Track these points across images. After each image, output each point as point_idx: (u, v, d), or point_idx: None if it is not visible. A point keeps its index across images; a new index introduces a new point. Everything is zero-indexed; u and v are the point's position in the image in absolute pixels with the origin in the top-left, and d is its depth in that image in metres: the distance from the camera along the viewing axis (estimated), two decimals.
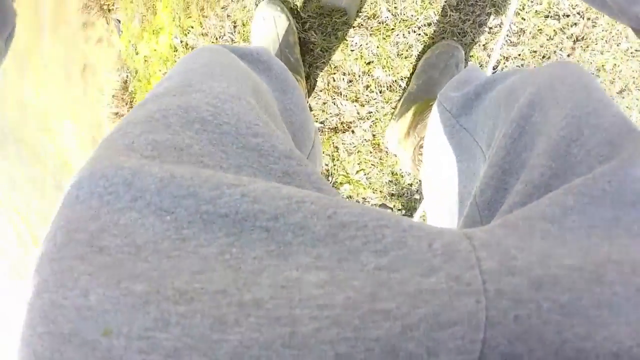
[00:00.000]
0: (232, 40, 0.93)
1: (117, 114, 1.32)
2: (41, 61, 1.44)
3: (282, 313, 0.17)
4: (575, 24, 0.90)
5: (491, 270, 0.18)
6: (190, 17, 0.98)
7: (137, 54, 1.17)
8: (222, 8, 0.92)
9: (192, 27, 0.98)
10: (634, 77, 0.92)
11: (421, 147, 0.76)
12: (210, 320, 0.16)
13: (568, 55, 0.93)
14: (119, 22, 1.23)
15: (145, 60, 1.14)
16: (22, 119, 1.51)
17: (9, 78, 1.47)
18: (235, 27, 0.91)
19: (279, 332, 0.16)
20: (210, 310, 0.17)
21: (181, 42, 1.00)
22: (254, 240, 0.20)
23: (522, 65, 0.90)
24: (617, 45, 0.90)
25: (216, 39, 0.94)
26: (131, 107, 1.26)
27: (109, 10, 1.26)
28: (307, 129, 0.52)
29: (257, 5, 0.87)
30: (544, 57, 0.91)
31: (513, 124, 0.33)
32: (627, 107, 0.93)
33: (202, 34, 0.96)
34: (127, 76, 1.23)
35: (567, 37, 0.90)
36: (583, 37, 0.91)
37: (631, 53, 0.91)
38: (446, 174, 0.51)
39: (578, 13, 0.89)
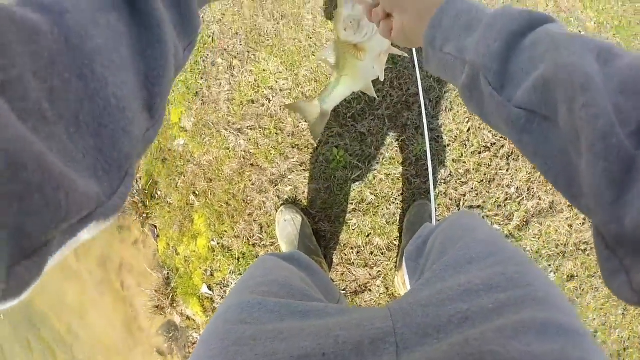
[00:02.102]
0: (261, 238, 1.21)
1: (157, 307, 1.51)
2: (74, 256, 1.63)
3: None
4: (502, 146, 1.24)
5: (396, 315, 0.44)
6: (223, 223, 1.28)
7: (177, 254, 1.42)
8: (249, 215, 1.22)
9: (226, 231, 1.26)
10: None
11: None
12: None
13: (507, 171, 1.25)
14: (155, 227, 1.50)
15: (185, 260, 1.39)
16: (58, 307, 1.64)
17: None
18: (262, 228, 1.21)
19: None
20: None
21: (218, 244, 1.28)
22: None
23: (476, 194, 1.21)
24: None
25: (247, 239, 1.22)
26: (173, 301, 1.45)
27: (147, 218, 1.53)
28: (333, 294, 0.77)
29: (277, 210, 1.18)
30: (489, 181, 1.23)
31: (433, 248, 0.65)
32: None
33: (235, 236, 1.25)
34: (167, 274, 1.46)
35: (500, 158, 1.23)
36: (512, 152, 1.25)
37: None
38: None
39: (501, 137, 1.23)
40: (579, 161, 0.25)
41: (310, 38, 1.19)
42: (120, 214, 1.54)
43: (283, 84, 1.16)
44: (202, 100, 1.24)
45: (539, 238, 1.25)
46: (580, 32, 1.67)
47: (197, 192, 1.31)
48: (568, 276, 1.26)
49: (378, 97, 1.17)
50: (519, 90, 0.31)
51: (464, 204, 1.21)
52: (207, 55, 1.24)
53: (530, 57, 0.30)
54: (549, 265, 1.26)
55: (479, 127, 1.23)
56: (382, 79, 0.67)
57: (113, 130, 0.23)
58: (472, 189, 1.22)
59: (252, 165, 1.20)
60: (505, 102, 0.31)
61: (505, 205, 1.24)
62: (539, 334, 0.35)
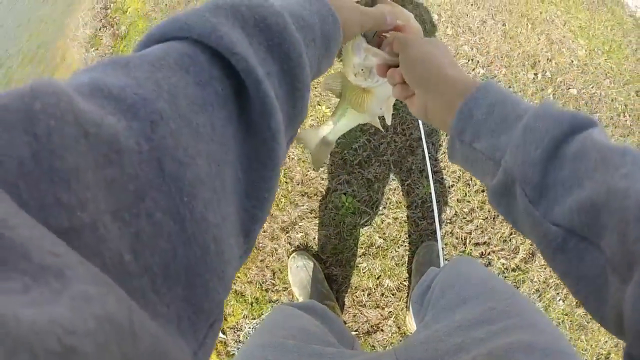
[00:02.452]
0: (273, 284, 1.24)
1: None
2: None
3: None
4: None
5: (400, 355, 0.48)
6: None
7: None
8: (261, 261, 1.25)
9: (239, 277, 1.29)
10: None
11: None
12: None
13: None
14: None
15: None
16: None
17: None
18: (274, 274, 1.24)
19: None
20: None
21: (231, 289, 1.30)
22: None
23: (482, 231, 1.24)
24: None
25: (260, 284, 1.25)
26: None
27: None
28: (348, 340, 0.80)
29: (288, 257, 1.21)
30: (494, 218, 1.26)
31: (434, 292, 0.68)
32: None
33: (248, 282, 1.27)
34: None
35: None
36: None
37: None
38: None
39: None
40: (621, 287, 0.24)
41: (316, 88, 1.24)
42: None
43: None
44: None
45: (545, 268, 1.28)
46: (572, 62, 1.72)
47: None
48: (577, 302, 1.29)
49: (382, 142, 1.21)
50: (557, 206, 0.28)
51: (470, 241, 1.25)
52: None
53: (574, 170, 0.28)
54: (557, 293, 1.29)
55: None
56: (388, 122, 0.65)
57: (208, 279, 0.19)
58: (477, 226, 1.25)
59: None
60: (542, 218, 0.29)
61: (510, 240, 1.27)
62: (526, 354, 0.39)
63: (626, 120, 1.73)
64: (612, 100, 1.74)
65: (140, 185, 0.16)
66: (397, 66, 0.45)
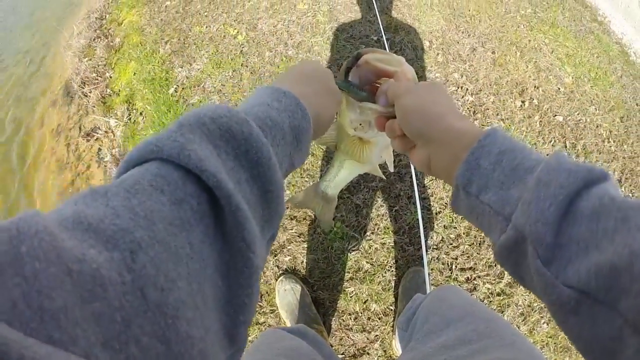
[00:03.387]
0: (260, 306, 1.24)
1: None
2: None
3: None
4: None
5: None
6: None
7: None
8: None
9: None
10: None
11: None
12: None
13: None
14: None
15: None
16: None
17: None
18: (261, 296, 1.24)
19: None
20: None
21: None
22: None
23: (467, 257, 1.26)
24: None
25: None
26: None
27: None
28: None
29: (276, 280, 1.21)
30: (479, 244, 1.28)
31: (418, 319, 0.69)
32: None
33: None
34: None
35: None
36: None
37: None
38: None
39: None
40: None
41: None
42: None
43: None
44: None
45: (529, 293, 1.31)
46: (559, 89, 1.77)
47: None
48: None
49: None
50: (571, 266, 0.27)
51: (456, 267, 1.27)
52: None
53: (592, 231, 0.27)
54: (542, 317, 1.31)
55: None
56: (391, 169, 0.61)
57: None
58: (463, 252, 1.27)
59: None
60: (554, 279, 0.27)
61: (495, 265, 1.29)
62: None
63: (610, 146, 1.77)
64: (597, 126, 1.78)
65: (126, 314, 0.17)
66: (395, 116, 0.43)
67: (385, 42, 1.29)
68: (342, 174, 0.61)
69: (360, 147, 0.54)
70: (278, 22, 1.61)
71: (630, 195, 1.61)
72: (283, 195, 0.29)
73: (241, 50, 1.51)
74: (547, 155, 0.31)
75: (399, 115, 0.41)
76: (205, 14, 1.76)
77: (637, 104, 1.93)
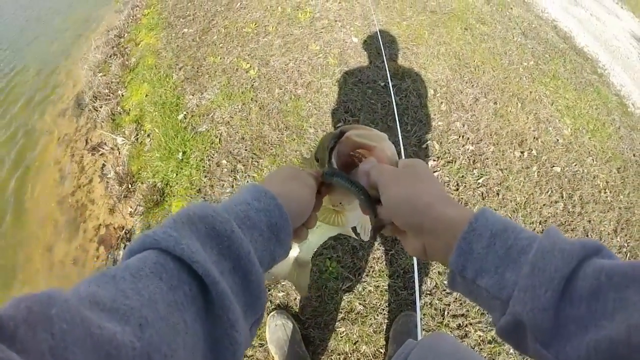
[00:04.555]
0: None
1: None
2: None
3: None
4: None
5: None
6: None
7: None
8: None
9: None
10: None
11: None
12: None
13: None
14: None
15: None
16: None
17: None
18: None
19: None
20: None
21: None
22: None
23: (460, 304, 1.27)
24: None
25: None
26: None
27: None
28: None
29: (268, 314, 1.22)
30: None
31: None
32: None
33: None
34: None
35: None
36: None
37: None
38: None
39: None
40: None
41: (311, 151, 1.29)
42: None
43: None
44: (203, 197, 1.31)
45: None
46: (558, 141, 1.81)
47: None
48: None
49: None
50: (569, 344, 0.27)
51: (448, 313, 1.27)
52: (213, 155, 1.32)
53: (591, 311, 0.27)
54: None
55: None
56: (365, 239, 0.59)
57: None
58: (456, 299, 1.28)
59: None
60: (554, 359, 0.28)
61: (487, 313, 1.30)
62: None
63: (607, 197, 1.80)
64: (594, 177, 1.82)
65: None
66: (379, 197, 0.43)
67: (392, 89, 1.33)
68: (314, 238, 0.59)
69: (335, 214, 0.53)
70: (290, 61, 1.67)
71: (626, 245, 1.63)
72: (263, 285, 0.33)
73: (252, 85, 1.56)
74: (540, 233, 0.32)
75: (387, 208, 0.42)
76: (221, 45, 1.82)
77: (634, 155, 1.97)
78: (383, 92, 1.58)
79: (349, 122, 1.43)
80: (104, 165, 1.89)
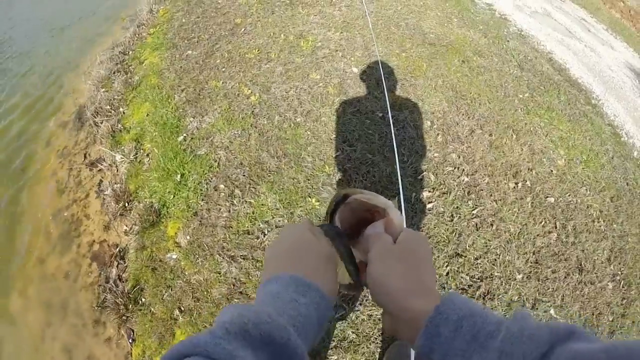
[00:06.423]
0: None
1: None
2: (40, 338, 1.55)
3: None
4: (479, 287, 1.31)
5: None
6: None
7: None
8: None
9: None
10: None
11: None
12: None
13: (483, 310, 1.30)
14: (132, 331, 1.47)
15: None
16: None
17: None
18: None
19: None
20: None
21: None
22: None
23: None
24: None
25: None
26: None
27: (126, 320, 1.51)
28: None
29: None
30: None
31: None
32: None
33: None
34: None
35: (476, 298, 1.29)
36: (487, 292, 1.32)
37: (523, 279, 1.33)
38: None
39: (478, 279, 1.30)
40: None
41: (308, 180, 1.31)
42: (98, 309, 1.50)
43: (278, 221, 1.26)
44: (200, 221, 1.31)
45: None
46: (552, 171, 1.84)
47: (182, 308, 1.34)
48: None
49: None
50: None
51: None
52: (211, 178, 1.34)
53: None
54: None
55: (457, 271, 1.32)
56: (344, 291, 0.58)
57: None
58: None
59: (241, 293, 1.25)
60: None
61: None
62: None
63: (600, 226, 1.81)
64: (588, 207, 1.84)
65: None
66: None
67: (391, 119, 1.36)
68: None
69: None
70: (290, 89, 1.70)
71: (619, 273, 1.63)
72: None
73: (252, 111, 1.58)
74: (507, 317, 0.34)
75: (367, 280, 0.42)
76: (223, 69, 1.86)
77: (627, 184, 1.99)
78: (381, 123, 1.61)
79: (346, 152, 1.45)
80: (101, 181, 1.90)
